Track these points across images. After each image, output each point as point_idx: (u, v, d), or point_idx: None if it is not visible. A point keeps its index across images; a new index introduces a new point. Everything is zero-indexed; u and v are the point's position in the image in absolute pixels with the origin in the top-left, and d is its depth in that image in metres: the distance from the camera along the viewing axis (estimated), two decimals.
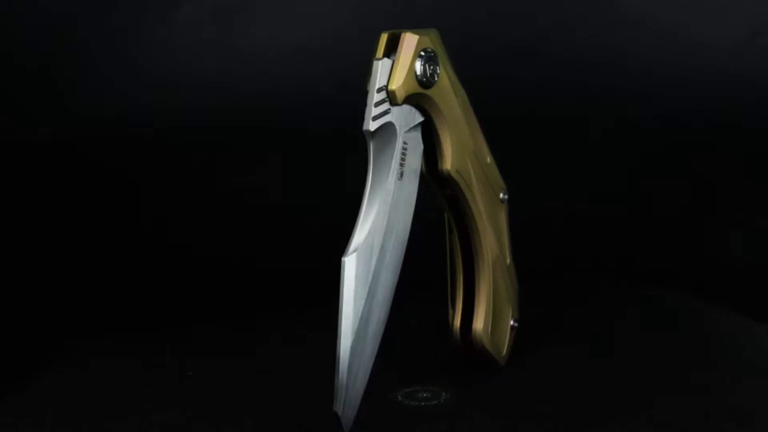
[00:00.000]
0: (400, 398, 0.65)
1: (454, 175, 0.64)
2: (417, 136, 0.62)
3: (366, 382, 0.60)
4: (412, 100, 0.60)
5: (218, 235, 0.86)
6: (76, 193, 0.84)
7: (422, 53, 0.60)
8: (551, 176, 0.71)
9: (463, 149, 0.64)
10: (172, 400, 0.64)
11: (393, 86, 0.59)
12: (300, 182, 0.85)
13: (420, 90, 0.60)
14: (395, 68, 0.59)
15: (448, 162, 0.63)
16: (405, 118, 0.61)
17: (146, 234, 0.85)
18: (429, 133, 0.63)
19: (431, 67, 0.60)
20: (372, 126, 0.59)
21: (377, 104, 0.59)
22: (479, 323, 0.68)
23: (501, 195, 0.68)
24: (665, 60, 0.97)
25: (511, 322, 0.70)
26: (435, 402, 0.66)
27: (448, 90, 0.62)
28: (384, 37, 0.60)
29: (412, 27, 0.62)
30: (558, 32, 0.95)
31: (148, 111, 0.86)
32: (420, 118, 0.62)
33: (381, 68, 0.59)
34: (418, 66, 0.60)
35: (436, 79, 0.61)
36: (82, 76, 0.84)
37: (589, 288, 0.86)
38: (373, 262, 0.59)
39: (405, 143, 0.61)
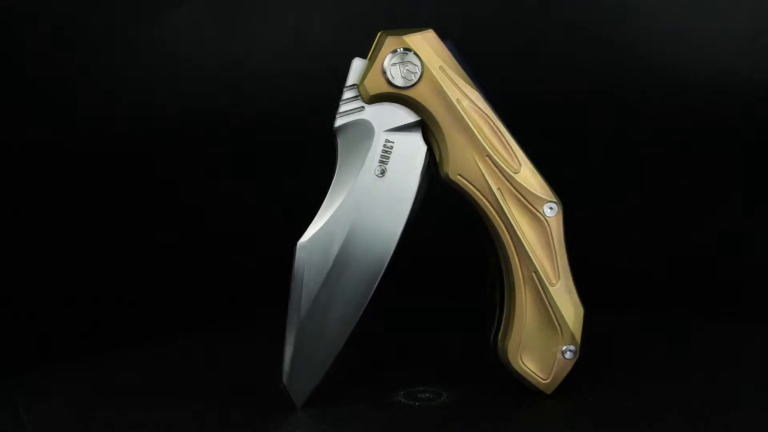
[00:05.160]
0: (400, 398, 0.66)
1: (454, 179, 0.63)
2: (412, 137, 0.63)
3: (327, 365, 0.63)
4: (387, 99, 0.62)
5: (219, 235, 0.89)
6: (70, 192, 0.89)
7: (394, 53, 0.61)
8: (551, 178, 0.64)
9: (466, 153, 0.62)
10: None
11: (360, 85, 0.61)
12: (300, 182, 0.85)
13: (391, 90, 0.61)
14: (366, 67, 0.62)
15: (445, 165, 0.63)
16: (389, 117, 0.62)
17: (143, 234, 0.90)
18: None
19: (405, 67, 0.61)
20: (336, 122, 0.62)
21: (344, 102, 0.62)
22: (504, 341, 0.65)
23: (542, 209, 0.63)
24: (665, 61, 0.88)
25: (563, 349, 0.65)
26: (436, 402, 0.65)
27: (437, 91, 0.61)
28: (377, 37, 0.63)
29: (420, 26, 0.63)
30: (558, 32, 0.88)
31: (143, 111, 0.90)
32: (413, 118, 0.62)
33: (353, 67, 0.62)
34: (387, 66, 0.61)
35: (413, 78, 0.61)
36: (79, 76, 0.90)
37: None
38: (334, 251, 0.62)
39: (389, 142, 0.62)
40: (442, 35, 0.62)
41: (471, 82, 0.62)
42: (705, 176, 0.88)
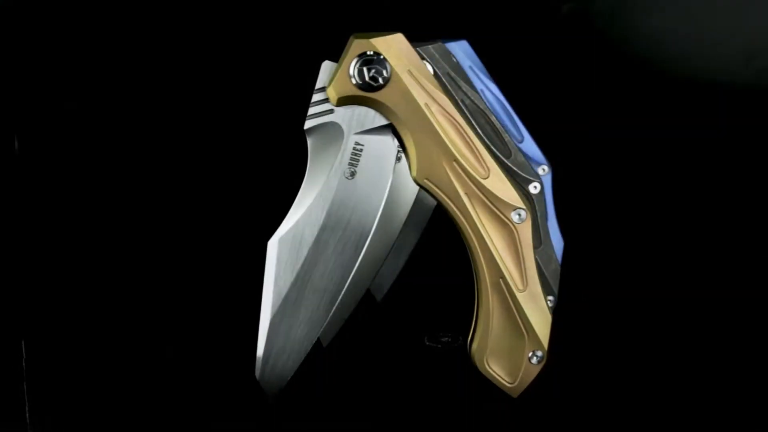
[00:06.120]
0: (399, 398, 0.67)
1: (421, 182, 0.63)
2: (383, 140, 0.63)
3: (300, 360, 0.65)
4: (354, 102, 0.62)
5: (219, 235, 0.90)
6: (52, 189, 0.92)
7: (360, 56, 0.62)
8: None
9: (434, 157, 0.63)
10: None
11: (328, 87, 0.62)
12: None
13: (358, 92, 0.62)
14: (334, 70, 0.62)
15: (413, 168, 0.63)
16: (358, 119, 0.63)
17: (142, 235, 0.91)
18: None
19: (371, 71, 0.62)
20: (306, 124, 0.63)
21: (314, 104, 0.63)
22: (473, 344, 0.65)
23: (510, 215, 0.64)
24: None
25: (530, 354, 0.65)
26: (431, 402, 0.67)
27: (405, 94, 0.62)
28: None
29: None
30: None
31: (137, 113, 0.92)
32: (383, 121, 0.63)
33: (323, 70, 0.63)
34: (352, 69, 0.62)
35: (380, 82, 0.62)
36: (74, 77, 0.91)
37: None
38: (304, 251, 0.63)
39: (359, 144, 0.63)
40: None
41: (440, 86, 0.63)
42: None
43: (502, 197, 0.63)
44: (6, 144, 0.92)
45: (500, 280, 0.64)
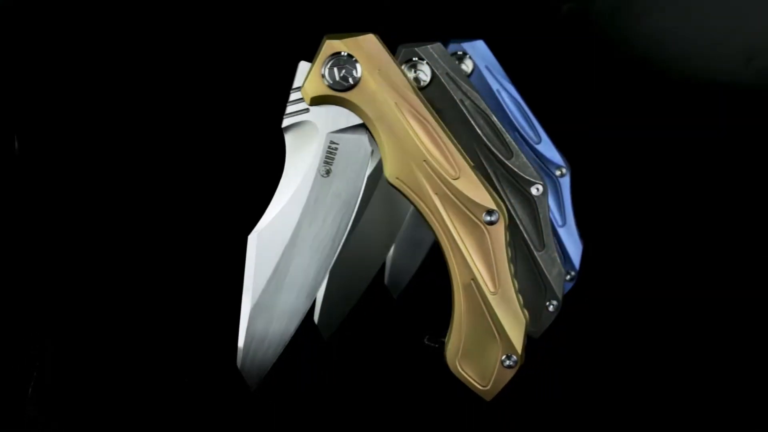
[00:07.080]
0: (397, 397, 0.68)
1: (393, 182, 0.63)
2: (357, 138, 0.63)
3: (279, 351, 0.65)
4: (326, 101, 0.62)
5: (213, 234, 0.91)
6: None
7: (332, 57, 0.62)
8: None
9: (404, 157, 0.62)
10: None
11: (302, 87, 0.62)
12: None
13: (330, 92, 0.62)
14: (309, 70, 0.62)
15: (385, 167, 0.63)
16: (333, 118, 0.63)
17: (148, 233, 0.93)
18: None
19: (342, 71, 0.62)
20: (283, 123, 0.63)
21: (291, 103, 0.63)
22: (448, 346, 0.65)
23: (482, 216, 0.63)
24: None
25: (503, 357, 0.65)
26: (421, 401, 0.67)
27: (375, 94, 0.62)
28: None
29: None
30: None
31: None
32: (357, 120, 0.63)
33: (300, 70, 0.63)
34: (324, 69, 0.62)
35: (350, 82, 0.62)
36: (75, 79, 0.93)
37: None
38: (281, 246, 0.64)
39: (334, 143, 0.63)
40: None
41: (413, 86, 0.63)
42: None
43: (473, 198, 0.63)
44: (6, 144, 0.93)
45: (471, 281, 0.63)
